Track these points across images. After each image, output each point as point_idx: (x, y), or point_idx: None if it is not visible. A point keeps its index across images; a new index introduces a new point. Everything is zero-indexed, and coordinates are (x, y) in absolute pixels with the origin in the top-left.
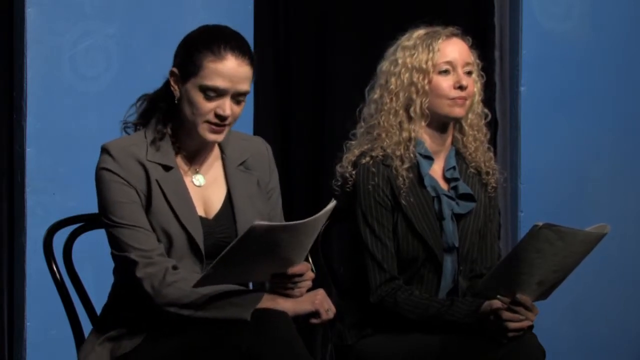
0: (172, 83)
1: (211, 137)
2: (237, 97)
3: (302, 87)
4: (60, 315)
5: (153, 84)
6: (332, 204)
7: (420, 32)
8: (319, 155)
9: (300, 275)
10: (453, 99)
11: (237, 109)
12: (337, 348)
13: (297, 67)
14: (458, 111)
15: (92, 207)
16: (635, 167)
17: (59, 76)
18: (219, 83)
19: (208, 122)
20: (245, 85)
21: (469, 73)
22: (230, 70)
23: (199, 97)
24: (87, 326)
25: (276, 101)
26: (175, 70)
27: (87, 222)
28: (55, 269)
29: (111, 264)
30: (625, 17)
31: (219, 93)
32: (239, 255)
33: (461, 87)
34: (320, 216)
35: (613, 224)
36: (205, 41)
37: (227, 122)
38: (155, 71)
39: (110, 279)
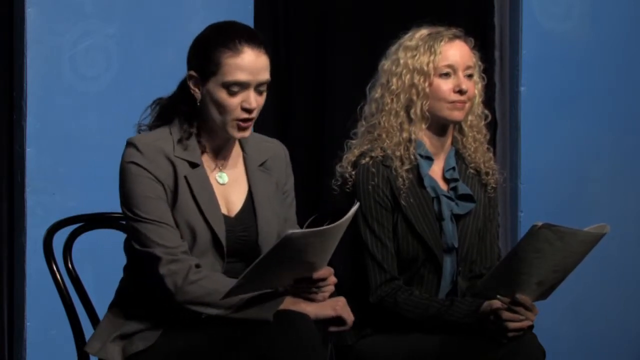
0: (191, 86)
1: (239, 134)
2: (259, 88)
3: (302, 87)
4: (60, 315)
5: (153, 84)
6: (356, 206)
7: (423, 32)
8: (319, 155)
9: (324, 279)
10: (452, 102)
11: (260, 99)
12: (337, 348)
13: (297, 67)
14: (457, 115)
15: (92, 207)
16: (635, 167)
17: (59, 76)
18: (241, 77)
19: (236, 119)
20: (266, 75)
21: (470, 76)
22: (250, 62)
23: (223, 95)
24: (87, 326)
25: (276, 101)
26: (193, 73)
27: (87, 222)
28: (55, 269)
29: (111, 264)
30: (625, 17)
31: (242, 87)
32: (271, 263)
33: (461, 92)
34: (346, 219)
35: (613, 224)
36: (219, 39)
37: (253, 115)
38: (155, 71)
39: (110, 279)
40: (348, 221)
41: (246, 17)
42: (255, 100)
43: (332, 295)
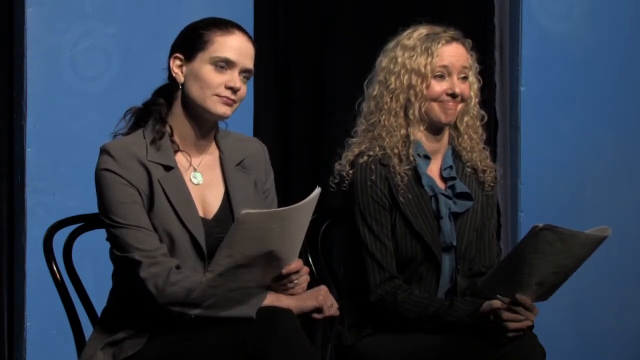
0: (174, 70)
1: (221, 109)
2: (244, 74)
3: (302, 87)
4: (60, 315)
5: (153, 84)
6: (317, 190)
7: (421, 31)
8: (319, 155)
9: (296, 272)
10: (443, 103)
11: (244, 87)
12: (336, 348)
13: (297, 67)
14: (447, 117)
15: (92, 207)
16: (635, 167)
17: (59, 76)
18: (230, 55)
19: (217, 95)
20: (252, 63)
21: (465, 77)
22: (239, 43)
23: (208, 71)
24: (87, 326)
25: (276, 101)
26: (178, 55)
27: (87, 222)
28: (55, 269)
29: (111, 264)
30: (625, 17)
31: (229, 66)
32: (236, 250)
33: (453, 95)
34: (306, 203)
35: (613, 224)
36: (210, 22)
37: (235, 97)
38: (155, 71)
39: (110, 279)
40: (309, 206)
41: (246, 17)
42: (240, 82)
43: (312, 286)
